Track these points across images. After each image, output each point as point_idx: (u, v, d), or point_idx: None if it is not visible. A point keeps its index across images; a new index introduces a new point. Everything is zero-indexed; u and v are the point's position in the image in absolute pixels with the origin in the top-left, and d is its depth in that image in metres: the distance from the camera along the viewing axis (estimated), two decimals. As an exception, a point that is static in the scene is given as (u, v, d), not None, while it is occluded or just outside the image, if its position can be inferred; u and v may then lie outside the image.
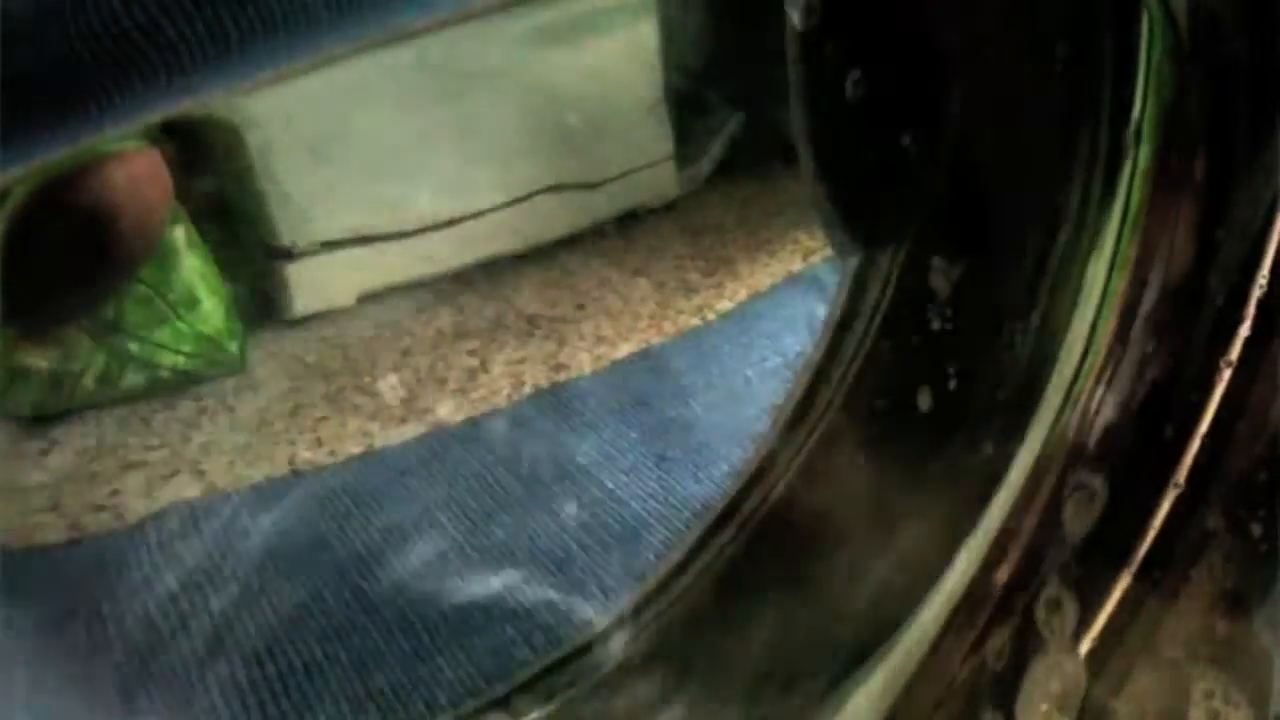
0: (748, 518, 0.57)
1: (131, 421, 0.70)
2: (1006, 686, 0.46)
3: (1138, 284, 0.46)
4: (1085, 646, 0.43)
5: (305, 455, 0.69)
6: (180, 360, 0.71)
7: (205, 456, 0.68)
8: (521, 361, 0.78)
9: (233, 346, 0.74)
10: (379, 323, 0.82)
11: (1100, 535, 0.44)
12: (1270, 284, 0.41)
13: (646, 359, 0.79)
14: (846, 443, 0.55)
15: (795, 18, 0.47)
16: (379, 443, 0.71)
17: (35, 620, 0.58)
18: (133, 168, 0.52)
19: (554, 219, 0.88)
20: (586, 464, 0.70)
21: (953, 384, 0.52)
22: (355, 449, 0.70)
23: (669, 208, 0.93)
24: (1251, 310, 0.42)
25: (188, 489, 0.66)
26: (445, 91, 0.81)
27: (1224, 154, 0.43)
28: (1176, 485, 0.42)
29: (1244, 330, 0.41)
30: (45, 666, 0.56)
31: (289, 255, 0.79)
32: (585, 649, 0.54)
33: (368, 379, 0.76)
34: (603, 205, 0.90)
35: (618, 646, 0.55)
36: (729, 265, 0.86)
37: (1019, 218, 0.50)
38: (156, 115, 0.32)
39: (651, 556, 0.62)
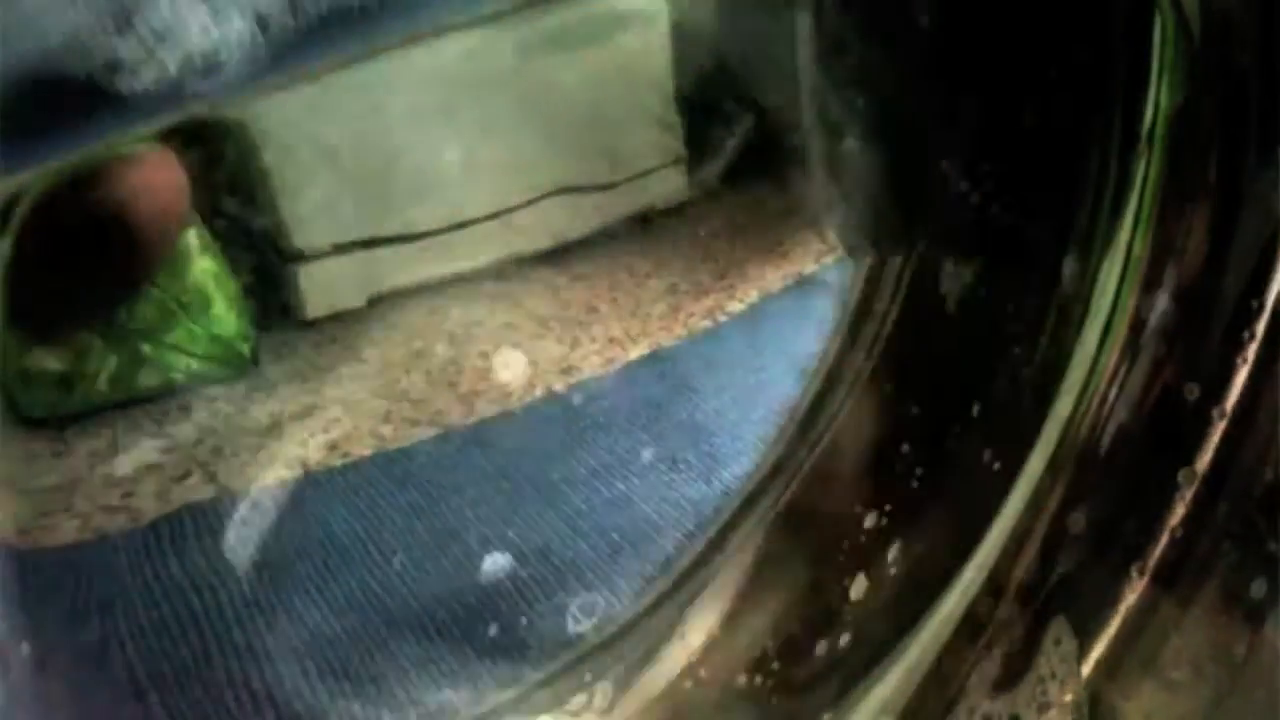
0: (760, 520, 0.57)
1: (144, 423, 0.70)
2: (1018, 688, 0.46)
3: (1150, 287, 0.46)
4: (1098, 650, 0.43)
5: (317, 457, 0.69)
6: (193, 362, 0.71)
7: (217, 458, 0.68)
8: (533, 363, 0.78)
9: (245, 349, 0.74)
10: (390, 325, 0.82)
11: (1112, 540, 0.44)
12: (1283, 287, 0.41)
13: (658, 361, 0.78)
14: (859, 444, 0.55)
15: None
16: (391, 445, 0.71)
17: (48, 620, 0.58)
18: (149, 170, 0.52)
19: (565, 221, 0.88)
20: (598, 466, 0.70)
21: (965, 386, 0.52)
22: (367, 451, 0.70)
23: (680, 209, 0.92)
24: (1265, 314, 0.41)
25: (200, 490, 0.66)
26: (456, 94, 0.81)
27: (1236, 157, 0.43)
28: (1188, 490, 0.42)
29: (1257, 334, 0.41)
30: (58, 666, 0.56)
31: (300, 257, 0.79)
32: (595, 651, 0.55)
33: (378, 381, 0.76)
34: (614, 207, 0.90)
35: (630, 648, 0.55)
36: (740, 267, 0.86)
37: (1031, 220, 0.50)
38: (168, 118, 0.32)
39: (663, 559, 0.62)
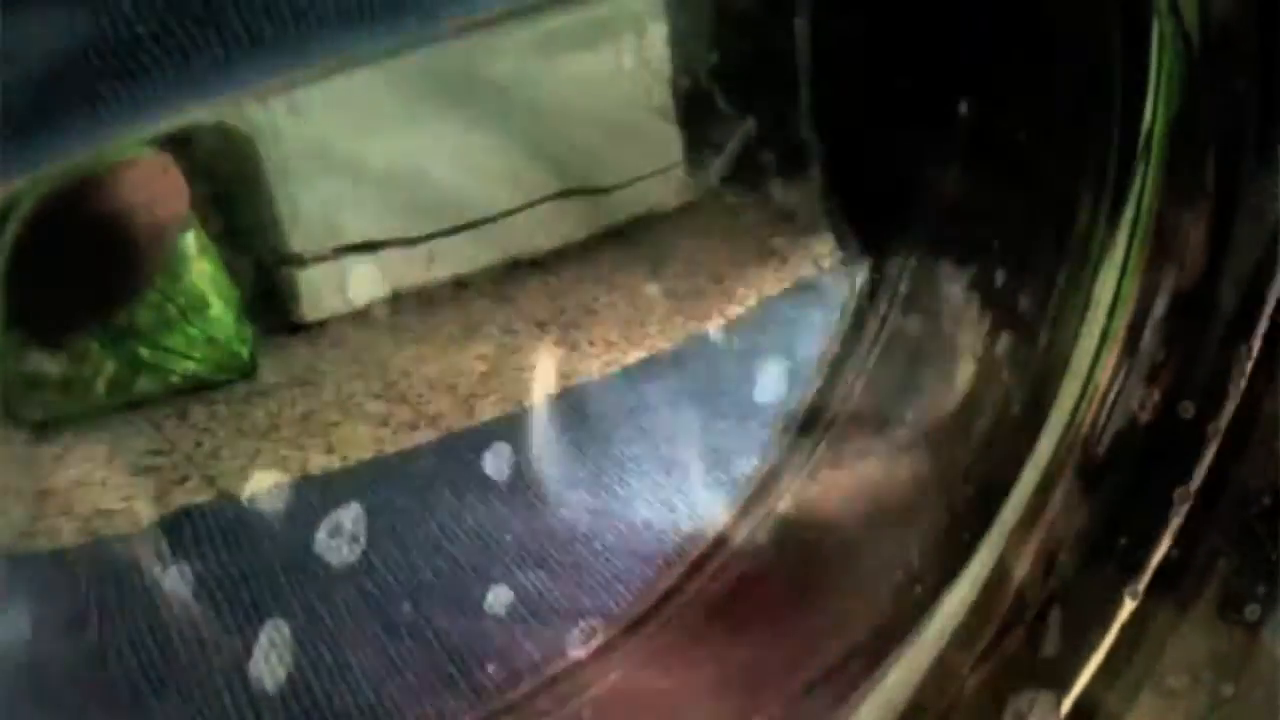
0: (758, 524, 0.57)
1: (143, 427, 0.70)
2: (1016, 694, 0.46)
3: (1148, 292, 0.46)
4: (1097, 657, 0.43)
5: (316, 461, 0.69)
6: (191, 366, 0.71)
7: (216, 462, 0.68)
8: (531, 367, 0.78)
9: (243, 352, 0.74)
10: (389, 328, 0.82)
11: (1111, 546, 0.44)
12: (1281, 292, 0.41)
13: (656, 365, 0.78)
14: (856, 449, 0.55)
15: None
16: (390, 448, 0.71)
17: (47, 624, 0.58)
18: (147, 174, 0.52)
19: (564, 224, 0.88)
20: (596, 470, 0.70)
21: (963, 391, 0.52)
22: (366, 455, 0.70)
23: (679, 213, 0.92)
24: (1263, 318, 0.41)
25: (199, 494, 0.66)
26: (455, 98, 0.81)
27: (1234, 162, 0.43)
28: (1187, 495, 0.42)
29: (1256, 338, 0.41)
30: (57, 669, 0.56)
31: (299, 261, 0.79)
32: (594, 656, 0.54)
33: (376, 384, 0.76)
34: (612, 211, 0.90)
35: (627, 652, 0.55)
36: (739, 271, 0.86)
37: (1030, 225, 0.50)
38: (167, 122, 0.32)
39: (661, 563, 0.62)
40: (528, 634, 0.59)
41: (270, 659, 0.56)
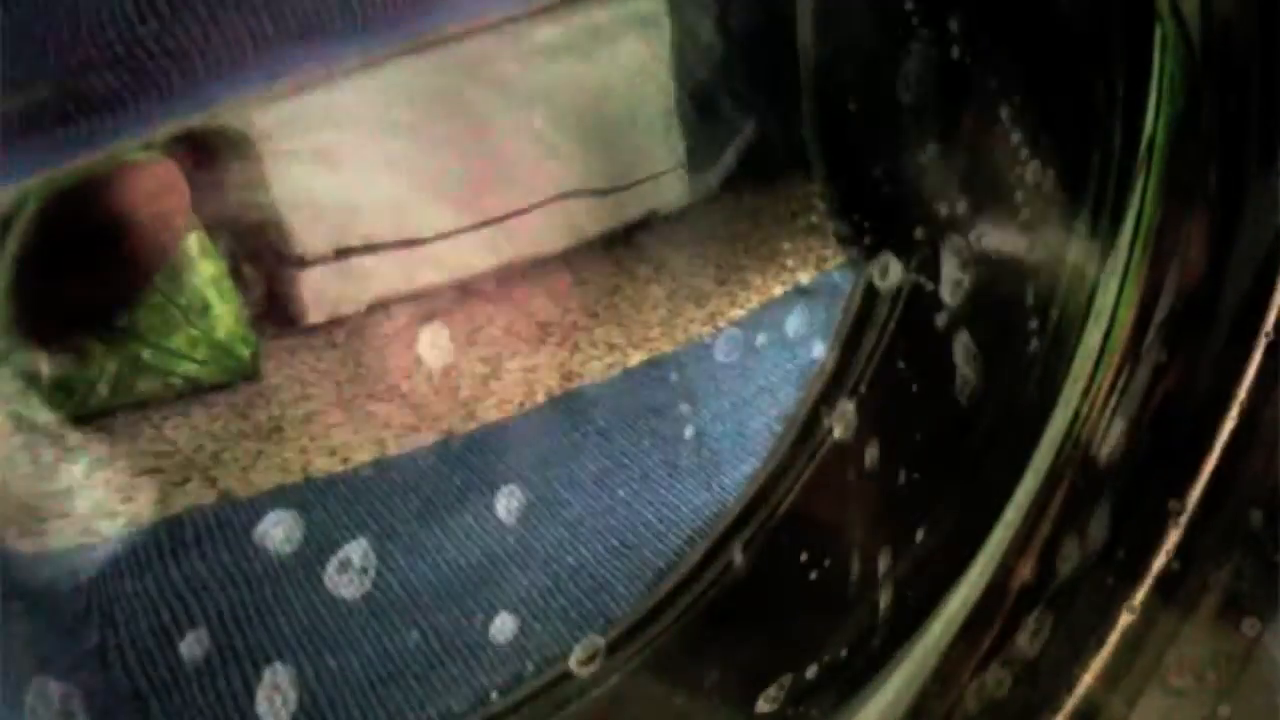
0: (759, 527, 0.57)
1: (144, 428, 0.70)
2: (1017, 698, 0.46)
3: (1150, 295, 0.46)
4: (1099, 661, 0.43)
5: (318, 463, 0.69)
6: (193, 367, 0.71)
7: (217, 464, 0.68)
8: (533, 369, 0.78)
9: (245, 354, 0.74)
10: (391, 330, 0.82)
11: (1113, 549, 0.44)
12: (1283, 296, 0.41)
13: (658, 367, 0.78)
14: (858, 452, 0.55)
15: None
16: (392, 450, 0.71)
17: (48, 624, 0.58)
18: (149, 177, 0.52)
19: (566, 226, 0.88)
20: (598, 472, 0.70)
21: (965, 395, 0.52)
22: (367, 457, 0.70)
23: (681, 215, 0.92)
24: (1267, 321, 0.41)
25: (200, 496, 0.66)
26: (458, 100, 0.81)
27: (1236, 165, 0.43)
28: (1189, 499, 0.42)
29: (1258, 342, 0.41)
30: (58, 670, 0.56)
31: (301, 263, 0.79)
32: (596, 658, 0.54)
33: (379, 386, 0.76)
34: (615, 213, 0.90)
35: (629, 655, 0.55)
36: (741, 273, 0.86)
37: (1032, 228, 0.50)
38: (170, 125, 0.32)
39: (663, 565, 0.62)
40: (530, 637, 0.59)
41: (272, 662, 0.56)
